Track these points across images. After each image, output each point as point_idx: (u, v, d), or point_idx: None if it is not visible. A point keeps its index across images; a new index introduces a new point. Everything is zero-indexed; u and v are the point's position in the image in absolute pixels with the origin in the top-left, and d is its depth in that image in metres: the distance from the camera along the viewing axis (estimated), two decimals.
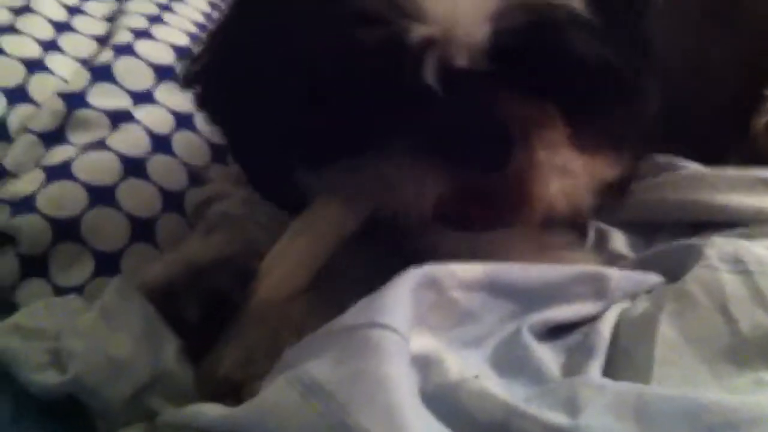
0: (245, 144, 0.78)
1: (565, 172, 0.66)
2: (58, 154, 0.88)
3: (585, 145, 0.67)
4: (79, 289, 0.81)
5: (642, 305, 0.65)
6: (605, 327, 0.63)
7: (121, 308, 0.67)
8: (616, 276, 0.67)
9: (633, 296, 0.68)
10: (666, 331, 0.60)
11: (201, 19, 1.14)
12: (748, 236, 0.73)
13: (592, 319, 0.65)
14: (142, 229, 0.86)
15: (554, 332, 0.64)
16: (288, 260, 0.70)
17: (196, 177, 0.94)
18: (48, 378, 0.62)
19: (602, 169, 0.71)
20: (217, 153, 0.97)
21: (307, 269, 0.70)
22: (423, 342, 0.57)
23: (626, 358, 0.60)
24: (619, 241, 0.82)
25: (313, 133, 0.66)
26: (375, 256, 0.71)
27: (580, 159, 0.67)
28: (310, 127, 0.66)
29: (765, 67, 0.99)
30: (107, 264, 0.83)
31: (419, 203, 0.64)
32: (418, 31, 0.60)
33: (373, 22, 0.60)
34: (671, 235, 0.81)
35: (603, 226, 0.84)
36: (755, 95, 0.99)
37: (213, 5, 1.19)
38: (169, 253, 0.80)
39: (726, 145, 1.00)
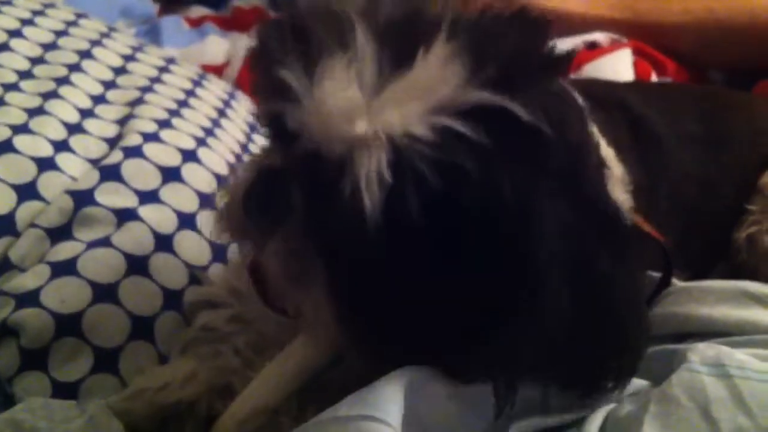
0: None
1: None
2: (64, 250, 0.89)
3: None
4: (76, 385, 0.81)
5: (627, 407, 0.66)
6: (593, 428, 0.64)
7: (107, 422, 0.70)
8: None
9: (619, 398, 0.68)
10: None
11: (209, 124, 1.17)
12: (731, 344, 0.73)
13: (579, 421, 0.66)
14: (141, 327, 0.87)
15: None
16: (259, 383, 0.73)
17: (195, 276, 0.95)
18: None
19: None
20: (218, 253, 0.99)
21: (275, 391, 0.72)
22: None
23: None
24: None
25: None
26: None
27: None
28: None
29: (747, 181, 1.02)
30: (106, 360, 0.84)
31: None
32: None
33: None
34: (656, 344, 0.80)
35: None
36: (738, 209, 1.02)
37: (220, 111, 1.23)
38: (137, 376, 0.82)
39: (712, 260, 1.02)
